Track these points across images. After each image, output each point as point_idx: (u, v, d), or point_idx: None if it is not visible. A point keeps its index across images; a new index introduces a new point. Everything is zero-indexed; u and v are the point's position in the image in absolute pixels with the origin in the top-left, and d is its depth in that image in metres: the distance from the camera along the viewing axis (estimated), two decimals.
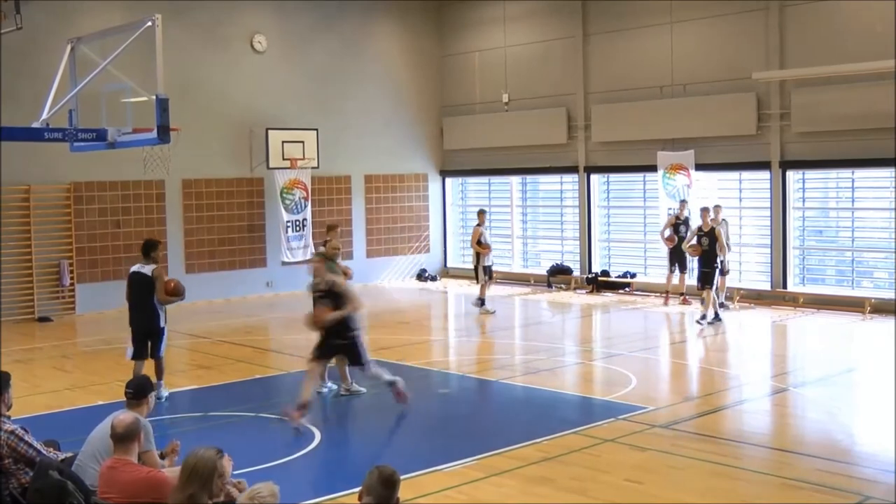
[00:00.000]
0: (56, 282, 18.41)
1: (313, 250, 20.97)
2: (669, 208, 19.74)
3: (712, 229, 16.10)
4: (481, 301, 18.14)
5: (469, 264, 23.99)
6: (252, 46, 20.98)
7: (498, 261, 22.80)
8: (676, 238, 18.27)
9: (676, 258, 18.52)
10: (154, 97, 8.82)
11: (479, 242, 18.08)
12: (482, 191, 24.63)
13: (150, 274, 11.06)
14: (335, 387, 11.66)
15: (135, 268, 11.24)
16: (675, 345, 15.06)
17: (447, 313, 19.80)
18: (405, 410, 10.68)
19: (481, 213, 18.49)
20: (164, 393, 11.39)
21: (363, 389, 11.58)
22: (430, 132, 24.17)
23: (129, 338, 11.38)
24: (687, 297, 18.43)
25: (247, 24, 20.91)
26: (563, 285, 21.65)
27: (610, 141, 20.80)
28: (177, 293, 11.26)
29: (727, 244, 16.95)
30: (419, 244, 23.90)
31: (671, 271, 18.77)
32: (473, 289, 21.77)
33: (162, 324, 11.20)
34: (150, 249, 11.23)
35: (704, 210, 16.59)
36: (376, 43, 23.09)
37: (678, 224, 18.43)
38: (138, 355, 11.20)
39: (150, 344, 11.19)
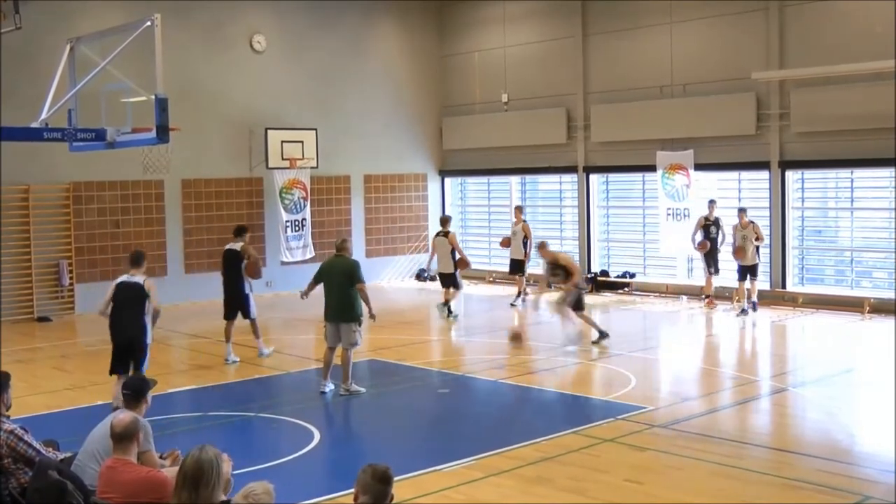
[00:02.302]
0: (55, 282, 18.40)
1: (312, 251, 21.04)
2: (668, 208, 19.73)
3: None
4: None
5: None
6: (251, 46, 20.97)
7: (497, 260, 22.89)
8: (708, 242, 18.05)
9: (712, 260, 18.17)
10: (153, 97, 8.82)
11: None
12: (482, 191, 24.63)
13: (238, 249, 13.64)
14: (334, 386, 11.66)
15: (228, 245, 13.88)
16: (674, 345, 15.03)
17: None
18: (404, 410, 10.66)
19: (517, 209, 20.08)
20: (266, 350, 13.91)
21: (363, 389, 11.59)
22: (430, 132, 24.16)
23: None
24: (713, 298, 18.29)
25: (246, 24, 20.90)
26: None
27: (609, 141, 20.79)
28: (257, 267, 13.81)
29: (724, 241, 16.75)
30: (418, 244, 23.88)
31: (710, 274, 18.19)
32: (472, 289, 21.83)
33: (247, 291, 13.64)
34: (242, 231, 13.95)
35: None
36: (376, 43, 23.08)
37: (708, 225, 18.12)
38: (228, 316, 13.72)
39: (238, 308, 13.65)
